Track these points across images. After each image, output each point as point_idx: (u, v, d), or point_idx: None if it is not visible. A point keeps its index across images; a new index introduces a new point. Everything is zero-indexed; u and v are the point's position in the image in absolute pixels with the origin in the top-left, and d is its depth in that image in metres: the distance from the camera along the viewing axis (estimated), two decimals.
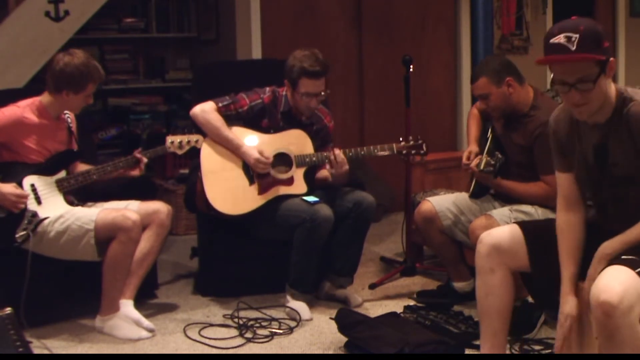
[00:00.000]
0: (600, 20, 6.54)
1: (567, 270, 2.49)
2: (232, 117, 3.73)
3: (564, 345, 2.46)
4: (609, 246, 2.36)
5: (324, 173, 3.81)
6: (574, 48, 2.26)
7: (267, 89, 3.79)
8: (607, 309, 2.14)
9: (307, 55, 3.63)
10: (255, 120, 3.75)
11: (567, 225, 2.54)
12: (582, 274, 2.47)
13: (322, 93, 3.67)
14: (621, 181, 2.42)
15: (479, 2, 5.87)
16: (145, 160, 3.58)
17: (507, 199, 3.46)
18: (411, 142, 3.74)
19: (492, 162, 3.29)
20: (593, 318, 2.21)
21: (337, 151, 3.62)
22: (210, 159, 3.69)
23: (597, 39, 2.28)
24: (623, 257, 2.30)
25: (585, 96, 2.32)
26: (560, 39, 2.28)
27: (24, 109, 3.40)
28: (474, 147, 3.62)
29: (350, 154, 3.66)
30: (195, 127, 3.76)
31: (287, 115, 3.78)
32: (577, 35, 2.27)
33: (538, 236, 2.62)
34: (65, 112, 3.55)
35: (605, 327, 2.17)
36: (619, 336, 2.16)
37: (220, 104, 3.71)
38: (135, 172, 3.58)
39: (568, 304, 2.45)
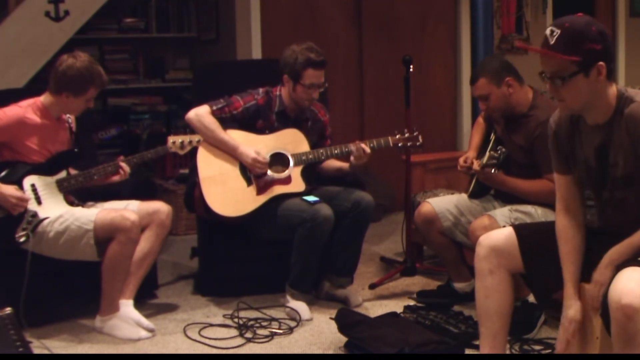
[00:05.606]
0: (600, 21, 6.54)
1: (569, 273, 2.47)
2: (227, 120, 3.73)
3: (566, 349, 2.45)
4: (616, 251, 2.34)
5: (337, 163, 3.84)
6: (551, 43, 2.31)
7: (261, 90, 3.80)
8: (629, 312, 2.12)
9: (307, 47, 3.67)
10: (250, 122, 3.76)
11: (566, 229, 2.52)
12: (583, 275, 2.46)
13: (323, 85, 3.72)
14: (621, 183, 2.41)
15: (479, 2, 5.87)
16: (127, 170, 3.52)
17: (507, 198, 3.45)
18: (407, 135, 3.75)
19: (496, 155, 3.27)
20: (612, 320, 2.17)
21: (363, 145, 3.62)
22: (206, 163, 3.69)
23: (577, 39, 2.29)
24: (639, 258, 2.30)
25: (558, 91, 2.35)
26: (548, 30, 2.33)
27: (26, 109, 3.39)
28: (472, 153, 3.61)
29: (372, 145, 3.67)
30: None
31: (281, 115, 3.79)
32: (559, 32, 2.31)
33: (532, 240, 2.61)
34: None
35: (625, 329, 2.14)
36: (638, 338, 2.13)
37: (214, 107, 3.71)
38: (116, 178, 3.52)
39: (572, 308, 2.44)
